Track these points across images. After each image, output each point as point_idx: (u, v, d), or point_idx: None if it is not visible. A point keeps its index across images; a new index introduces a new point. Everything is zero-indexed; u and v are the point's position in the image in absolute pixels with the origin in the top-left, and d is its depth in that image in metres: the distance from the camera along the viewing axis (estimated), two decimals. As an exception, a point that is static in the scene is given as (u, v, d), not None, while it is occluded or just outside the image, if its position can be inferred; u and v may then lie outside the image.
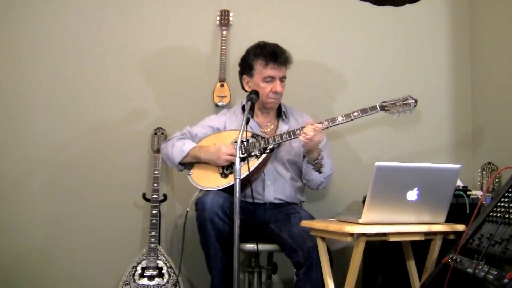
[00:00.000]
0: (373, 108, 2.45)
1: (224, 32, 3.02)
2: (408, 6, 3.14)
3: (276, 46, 2.55)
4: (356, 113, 2.43)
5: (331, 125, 2.42)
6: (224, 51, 2.99)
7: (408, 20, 3.15)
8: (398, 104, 2.46)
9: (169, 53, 3.06)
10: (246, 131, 2.20)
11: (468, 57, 3.13)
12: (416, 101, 2.46)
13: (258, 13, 3.11)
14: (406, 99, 2.46)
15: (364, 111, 2.43)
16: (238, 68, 2.64)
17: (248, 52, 2.58)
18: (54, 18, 3.00)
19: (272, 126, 2.65)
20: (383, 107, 2.46)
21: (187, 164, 2.57)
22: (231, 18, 3.04)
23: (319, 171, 2.49)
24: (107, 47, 3.02)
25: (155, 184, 2.79)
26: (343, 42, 3.14)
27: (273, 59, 2.49)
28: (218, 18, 3.04)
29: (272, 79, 2.51)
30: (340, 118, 2.42)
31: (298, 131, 2.42)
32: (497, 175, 2.60)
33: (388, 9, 3.14)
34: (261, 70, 2.51)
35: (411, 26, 3.15)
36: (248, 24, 3.09)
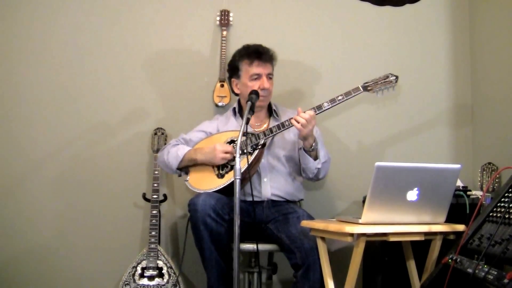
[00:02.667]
0: (356, 89, 2.46)
1: (224, 32, 3.02)
2: (408, 6, 3.14)
3: (259, 45, 2.61)
4: (340, 97, 2.45)
5: (317, 112, 2.43)
6: (224, 51, 2.99)
7: (408, 20, 3.15)
8: (380, 82, 2.47)
9: (169, 53, 3.06)
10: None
11: (468, 57, 3.13)
12: (397, 77, 2.47)
13: (258, 13, 3.11)
14: (387, 77, 2.48)
15: (347, 93, 2.45)
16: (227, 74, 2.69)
17: (234, 55, 2.65)
18: (54, 18, 3.00)
19: (264, 126, 2.66)
20: (365, 87, 2.47)
21: (184, 169, 2.58)
22: (231, 18, 3.04)
23: (315, 158, 2.49)
24: (107, 48, 3.02)
25: (155, 184, 2.79)
26: (343, 42, 3.14)
27: (258, 57, 2.55)
28: (218, 18, 3.04)
29: (258, 76, 2.55)
30: (325, 104, 2.43)
31: (287, 122, 2.44)
32: (497, 175, 2.59)
33: (388, 9, 3.14)
34: (247, 69, 2.56)
35: (411, 26, 3.15)
36: (248, 24, 3.09)
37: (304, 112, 2.38)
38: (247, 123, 2.18)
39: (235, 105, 2.71)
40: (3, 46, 2.97)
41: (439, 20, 3.16)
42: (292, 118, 2.41)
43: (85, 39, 3.01)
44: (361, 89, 2.46)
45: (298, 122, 2.36)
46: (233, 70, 2.64)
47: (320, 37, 3.13)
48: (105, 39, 3.03)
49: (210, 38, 3.07)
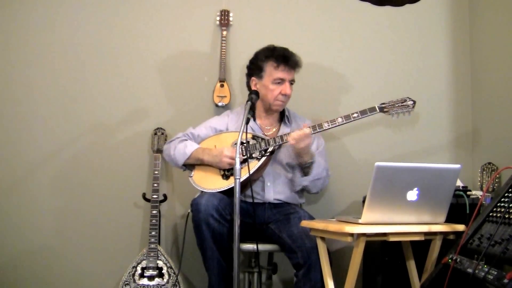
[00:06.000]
0: (372, 109, 2.46)
1: (224, 32, 3.02)
2: (408, 6, 3.14)
3: (286, 49, 2.57)
4: (355, 115, 2.45)
5: (331, 126, 2.44)
6: (224, 51, 2.99)
7: (408, 20, 3.15)
8: (396, 105, 2.48)
9: (169, 53, 3.06)
10: (246, 132, 2.20)
11: (468, 57, 3.13)
12: (414, 102, 2.49)
13: (258, 13, 3.12)
14: (405, 100, 2.48)
15: (363, 112, 2.45)
16: (246, 71, 2.65)
17: (258, 54, 2.60)
18: (54, 19, 3.00)
19: (274, 130, 2.65)
20: (382, 109, 2.47)
21: (189, 165, 2.57)
22: (231, 18, 3.04)
23: (306, 174, 2.49)
24: (107, 48, 3.03)
25: (155, 184, 2.79)
26: (343, 42, 3.14)
27: (284, 61, 2.52)
28: (218, 18, 3.04)
29: (282, 81, 2.53)
30: (339, 120, 2.43)
31: (285, 137, 2.44)
32: (497, 175, 2.59)
33: (388, 9, 3.14)
34: (272, 72, 2.53)
35: (411, 26, 3.15)
36: (248, 24, 3.09)
37: (300, 129, 2.39)
38: (247, 123, 2.18)
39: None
40: (3, 46, 2.97)
41: (439, 20, 3.16)
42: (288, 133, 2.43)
43: (85, 39, 3.01)
44: (378, 109, 2.46)
45: (292, 138, 2.38)
46: (255, 69, 2.58)
47: (319, 37, 3.13)
48: (105, 39, 3.03)
49: (210, 38, 3.07)
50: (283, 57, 2.52)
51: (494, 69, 2.91)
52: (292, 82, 2.57)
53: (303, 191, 2.60)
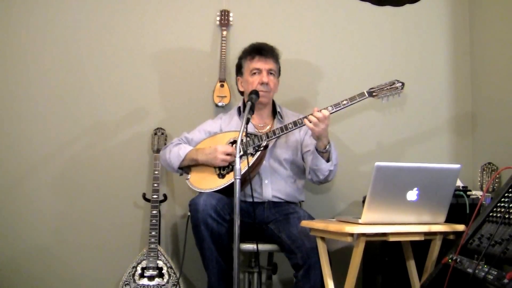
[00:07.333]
0: (361, 94, 2.43)
1: (224, 32, 3.02)
2: (408, 6, 3.14)
3: (262, 43, 2.63)
4: (345, 102, 2.42)
5: (333, 111, 2.40)
6: (224, 51, 2.99)
7: (408, 20, 3.15)
8: (385, 88, 2.44)
9: (169, 53, 3.07)
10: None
11: (468, 57, 3.13)
12: (403, 84, 2.44)
13: (258, 13, 3.12)
14: (393, 83, 2.45)
15: (352, 98, 2.42)
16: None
17: (240, 54, 2.67)
18: (53, 17, 3.00)
19: (268, 127, 2.65)
20: (370, 93, 2.44)
21: (186, 168, 2.58)
22: (231, 18, 3.04)
23: (328, 160, 2.46)
24: (107, 47, 3.03)
25: (155, 184, 2.80)
26: (343, 42, 3.14)
27: (258, 53, 2.59)
28: (218, 18, 3.04)
29: (258, 71, 2.56)
30: (330, 108, 2.40)
31: (290, 125, 2.43)
32: (497, 175, 2.60)
33: (388, 9, 3.14)
34: (248, 65, 2.60)
35: (411, 26, 3.15)
36: (248, 24, 3.09)
37: (320, 111, 2.36)
38: (247, 123, 2.17)
39: (240, 104, 2.71)
40: (2, 45, 2.97)
41: (439, 20, 3.16)
42: (305, 116, 2.39)
43: (84, 39, 3.02)
44: (366, 94, 2.43)
45: (310, 122, 2.34)
46: (238, 68, 2.67)
47: (320, 37, 3.13)
48: (105, 39, 3.03)
49: (210, 38, 3.07)
50: (257, 49, 2.59)
51: (494, 68, 2.91)
52: (271, 72, 2.58)
53: (321, 180, 2.52)
